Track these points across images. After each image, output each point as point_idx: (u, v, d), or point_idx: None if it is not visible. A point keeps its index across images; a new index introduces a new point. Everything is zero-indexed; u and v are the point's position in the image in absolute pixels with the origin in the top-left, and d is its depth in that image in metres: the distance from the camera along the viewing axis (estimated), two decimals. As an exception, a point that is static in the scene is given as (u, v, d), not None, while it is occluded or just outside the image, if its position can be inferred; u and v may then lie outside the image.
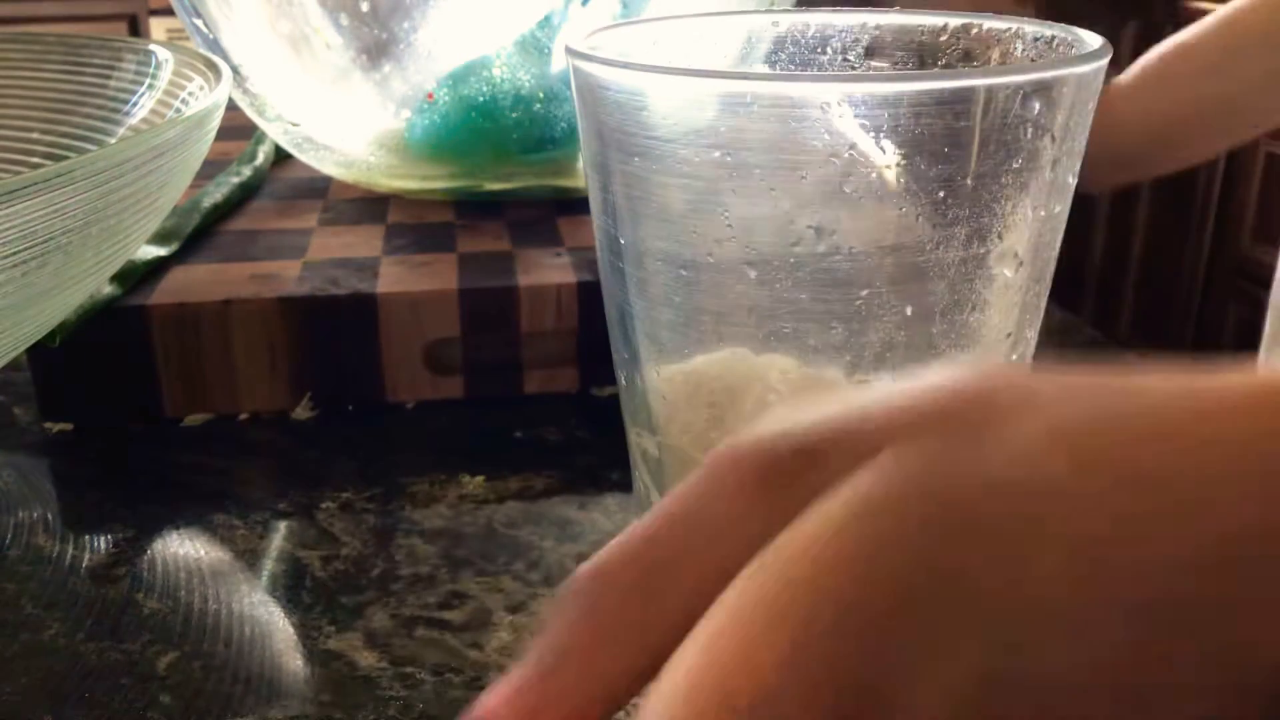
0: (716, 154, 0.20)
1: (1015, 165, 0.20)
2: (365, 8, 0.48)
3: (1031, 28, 0.24)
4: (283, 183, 0.57)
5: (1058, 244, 0.22)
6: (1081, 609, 0.13)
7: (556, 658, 0.15)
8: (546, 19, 0.48)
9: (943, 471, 0.14)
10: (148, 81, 0.40)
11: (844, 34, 0.26)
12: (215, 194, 0.50)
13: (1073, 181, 0.22)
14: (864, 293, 0.20)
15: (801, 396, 0.21)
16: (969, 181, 0.20)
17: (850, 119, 0.19)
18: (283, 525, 0.35)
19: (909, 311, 0.20)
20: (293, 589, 0.32)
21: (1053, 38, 0.23)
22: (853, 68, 0.26)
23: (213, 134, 0.34)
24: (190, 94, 0.38)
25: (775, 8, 0.37)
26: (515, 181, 0.52)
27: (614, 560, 0.15)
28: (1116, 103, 0.69)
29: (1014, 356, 0.22)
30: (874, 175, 0.19)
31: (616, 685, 0.15)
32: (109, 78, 0.42)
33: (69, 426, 0.41)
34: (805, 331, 0.21)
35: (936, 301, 0.20)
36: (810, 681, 0.13)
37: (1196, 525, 0.13)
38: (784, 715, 0.13)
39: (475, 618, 0.31)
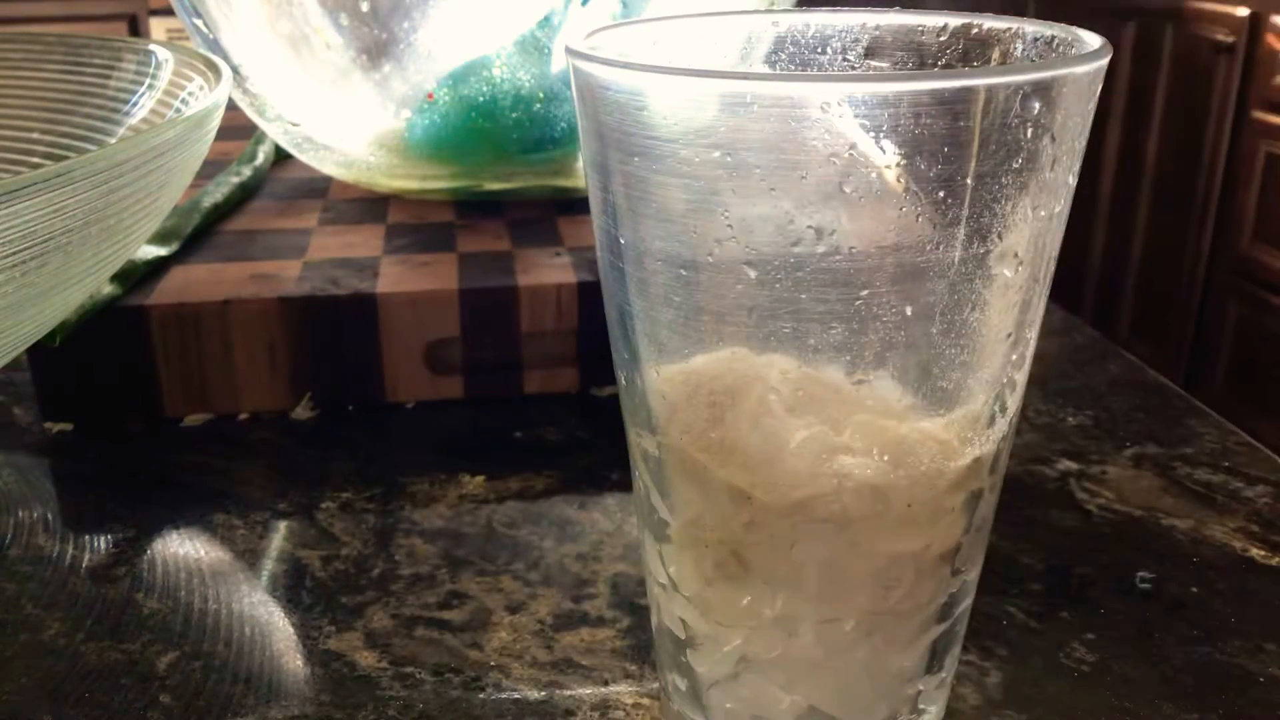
0: (716, 154, 0.20)
1: (1015, 165, 0.20)
2: (365, 8, 0.48)
3: (1031, 28, 0.24)
4: (283, 183, 0.57)
5: (1058, 244, 0.22)
6: None
7: None
8: (546, 19, 0.48)
9: None
10: (148, 81, 0.40)
11: (844, 34, 0.26)
12: (215, 194, 0.50)
13: (1073, 181, 0.22)
14: (864, 293, 0.20)
15: (801, 396, 0.21)
16: (969, 181, 0.20)
17: (850, 119, 0.19)
18: (283, 525, 0.35)
19: (909, 311, 0.20)
20: (293, 589, 0.32)
21: (1053, 38, 0.23)
22: (853, 68, 0.26)
23: (213, 134, 0.34)
24: (190, 94, 0.38)
25: (775, 8, 0.37)
26: (515, 181, 0.52)
27: None
28: None
29: (1014, 357, 0.22)
30: (874, 175, 0.19)
31: None
32: (109, 78, 0.42)
33: (69, 426, 0.41)
34: (805, 331, 0.21)
35: (936, 301, 0.20)
36: None
37: None
38: None
39: (475, 618, 0.31)
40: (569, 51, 0.22)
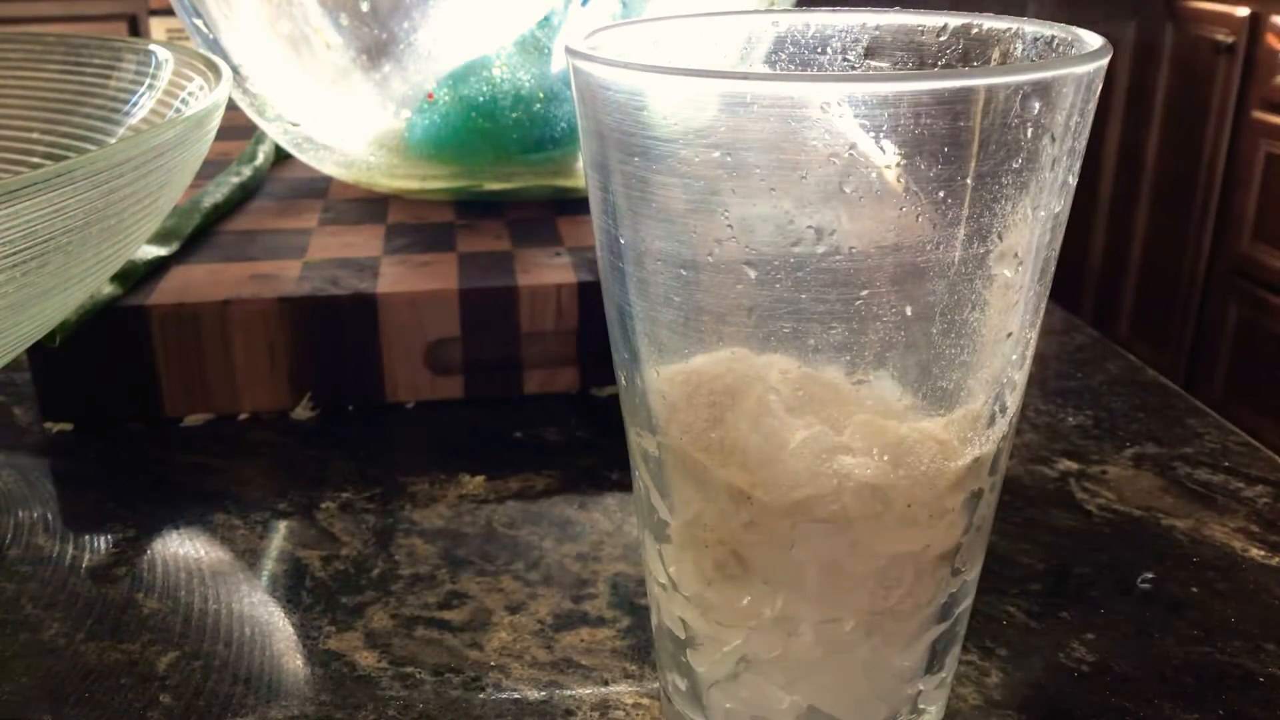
0: (716, 154, 0.20)
1: (1015, 165, 0.20)
2: (365, 8, 0.48)
3: (1031, 28, 0.24)
4: (283, 183, 0.57)
5: (1058, 244, 0.22)
6: None
7: None
8: (546, 19, 0.48)
9: None
10: (148, 81, 0.40)
11: (844, 34, 0.26)
12: (215, 194, 0.50)
13: (1073, 181, 0.22)
14: (864, 293, 0.20)
15: (801, 396, 0.21)
16: (969, 181, 0.20)
17: (850, 119, 0.19)
18: (283, 525, 0.35)
19: (909, 311, 0.20)
20: (293, 589, 0.32)
21: (1053, 38, 0.23)
22: (853, 68, 0.26)
23: (213, 134, 0.34)
24: (190, 94, 0.38)
25: (775, 8, 0.37)
26: (515, 181, 0.52)
27: None
28: None
29: (1014, 357, 0.22)
30: (874, 175, 0.19)
31: None
32: (109, 78, 0.42)
33: (69, 426, 0.41)
34: (805, 331, 0.21)
35: (936, 301, 0.20)
36: None
37: None
38: None
39: (475, 618, 0.31)
40: (569, 51, 0.22)
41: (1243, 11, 1.68)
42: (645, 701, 0.28)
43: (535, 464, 0.39)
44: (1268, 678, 0.29)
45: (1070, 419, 0.42)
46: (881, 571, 0.22)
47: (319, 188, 0.56)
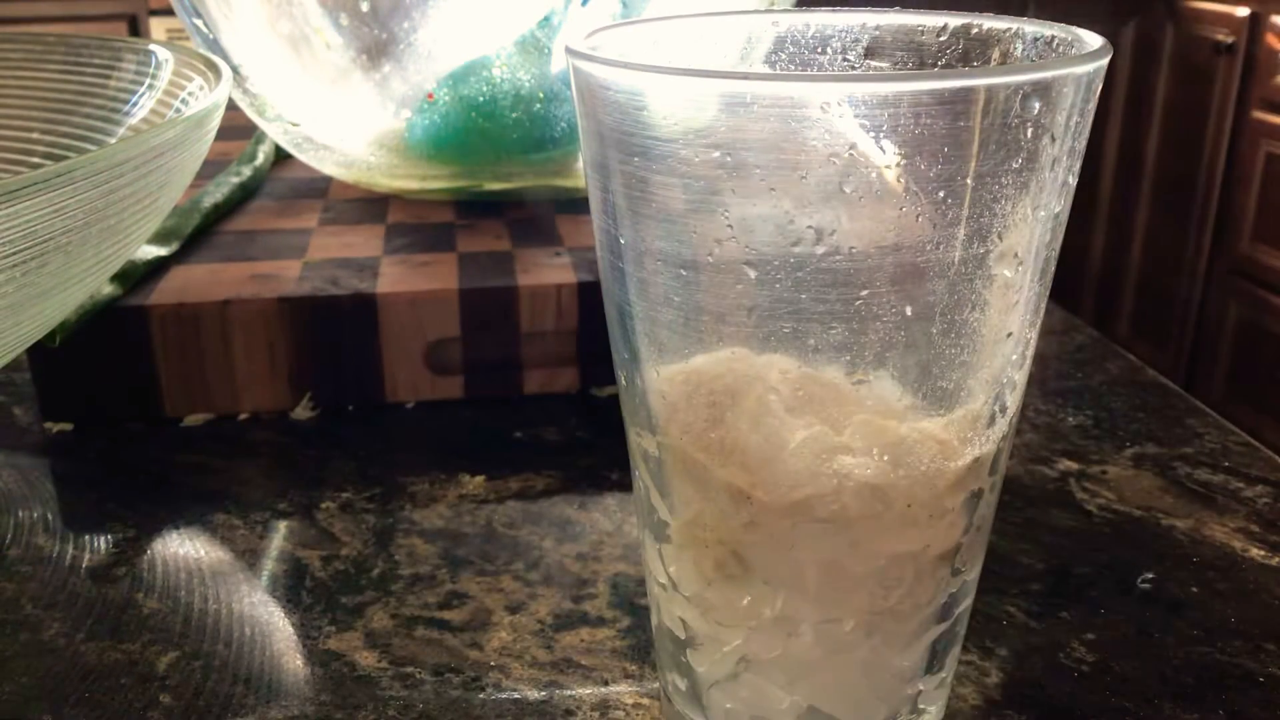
0: (716, 154, 0.20)
1: (1015, 165, 0.20)
2: (365, 8, 0.48)
3: (1031, 28, 0.24)
4: (283, 183, 0.57)
5: (1058, 244, 0.22)
6: None
7: None
8: (546, 19, 0.48)
9: None
10: (148, 81, 0.40)
11: (844, 34, 0.26)
12: (215, 194, 0.50)
13: (1073, 181, 0.22)
14: (864, 293, 0.20)
15: (801, 396, 0.21)
16: (969, 181, 0.20)
17: (850, 119, 0.19)
18: (283, 525, 0.35)
19: (909, 311, 0.20)
20: (293, 589, 0.32)
21: (1053, 38, 0.23)
22: (853, 68, 0.26)
23: (213, 134, 0.34)
24: (190, 94, 0.38)
25: (775, 8, 0.37)
26: (515, 181, 0.52)
27: None
28: None
29: (1014, 357, 0.22)
30: (874, 175, 0.19)
31: None
32: (109, 78, 0.42)
33: (69, 426, 0.41)
34: (805, 331, 0.21)
35: (936, 301, 0.20)
36: None
37: None
38: None
39: (475, 618, 0.31)
40: (569, 51, 0.22)
41: (1243, 11, 1.68)
42: (645, 701, 0.28)
43: (535, 464, 0.39)
44: (1268, 678, 0.29)
45: (1070, 419, 0.42)
46: (881, 571, 0.22)
47: (319, 188, 0.56)
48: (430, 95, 0.49)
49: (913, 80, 0.19)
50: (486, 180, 0.52)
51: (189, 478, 0.38)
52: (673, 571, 0.24)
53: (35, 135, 0.42)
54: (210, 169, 0.56)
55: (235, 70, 0.50)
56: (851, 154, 0.19)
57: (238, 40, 0.50)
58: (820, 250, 0.20)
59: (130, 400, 0.41)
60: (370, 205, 0.53)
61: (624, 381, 0.24)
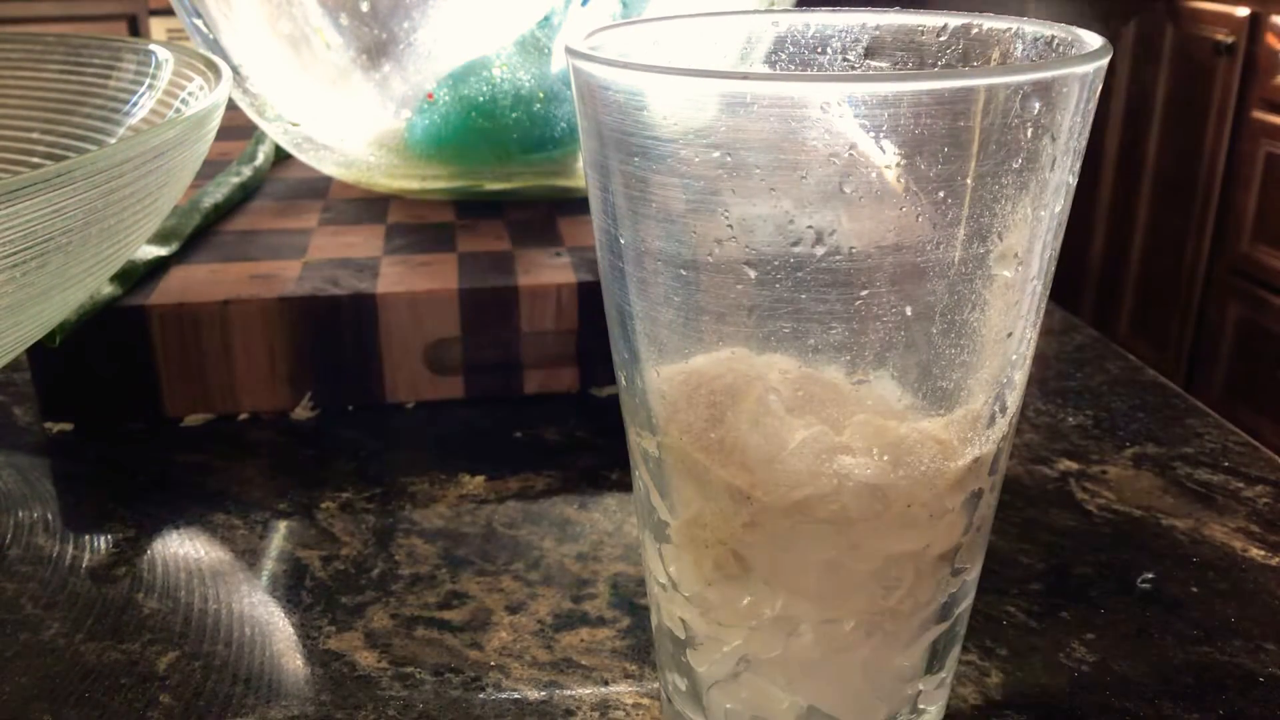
0: (716, 154, 0.20)
1: (1015, 165, 0.20)
2: (365, 8, 0.48)
3: (1031, 28, 0.24)
4: (283, 183, 0.57)
5: (1058, 244, 0.22)
6: None
7: None
8: (546, 19, 0.48)
9: None
10: (148, 81, 0.40)
11: (844, 34, 0.26)
12: (215, 194, 0.50)
13: (1073, 181, 0.22)
14: (864, 293, 0.20)
15: (801, 396, 0.21)
16: (969, 181, 0.20)
17: (850, 119, 0.19)
18: (283, 525, 0.35)
19: (909, 311, 0.20)
20: (293, 589, 0.32)
21: (1053, 38, 0.23)
22: (853, 68, 0.26)
23: (213, 134, 0.34)
24: (190, 94, 0.38)
25: (775, 8, 0.37)
26: (515, 181, 0.52)
27: None
28: None
29: (1014, 357, 0.22)
30: (874, 175, 0.19)
31: None
32: (109, 78, 0.42)
33: (69, 426, 0.41)
34: (805, 331, 0.21)
35: (936, 301, 0.20)
36: None
37: None
38: None
39: (475, 618, 0.31)
40: (569, 51, 0.22)
41: (1243, 11, 1.68)
42: (645, 701, 0.28)
43: (535, 464, 0.39)
44: (1268, 678, 0.29)
45: (1070, 419, 0.42)
46: (881, 571, 0.22)
47: (319, 188, 0.56)
48: (430, 95, 0.49)
49: (913, 80, 0.19)
50: (486, 180, 0.52)
51: (189, 478, 0.38)
52: (673, 571, 0.24)
53: (35, 135, 0.42)
54: (210, 169, 0.56)
55: (235, 70, 0.50)
56: (851, 154, 0.19)
57: (238, 40, 0.50)
58: (820, 250, 0.20)
59: (130, 400, 0.41)
60: (370, 205, 0.53)
61: (624, 381, 0.24)
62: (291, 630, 0.30)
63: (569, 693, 0.28)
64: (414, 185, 0.52)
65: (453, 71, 0.49)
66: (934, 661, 0.24)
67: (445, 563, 0.33)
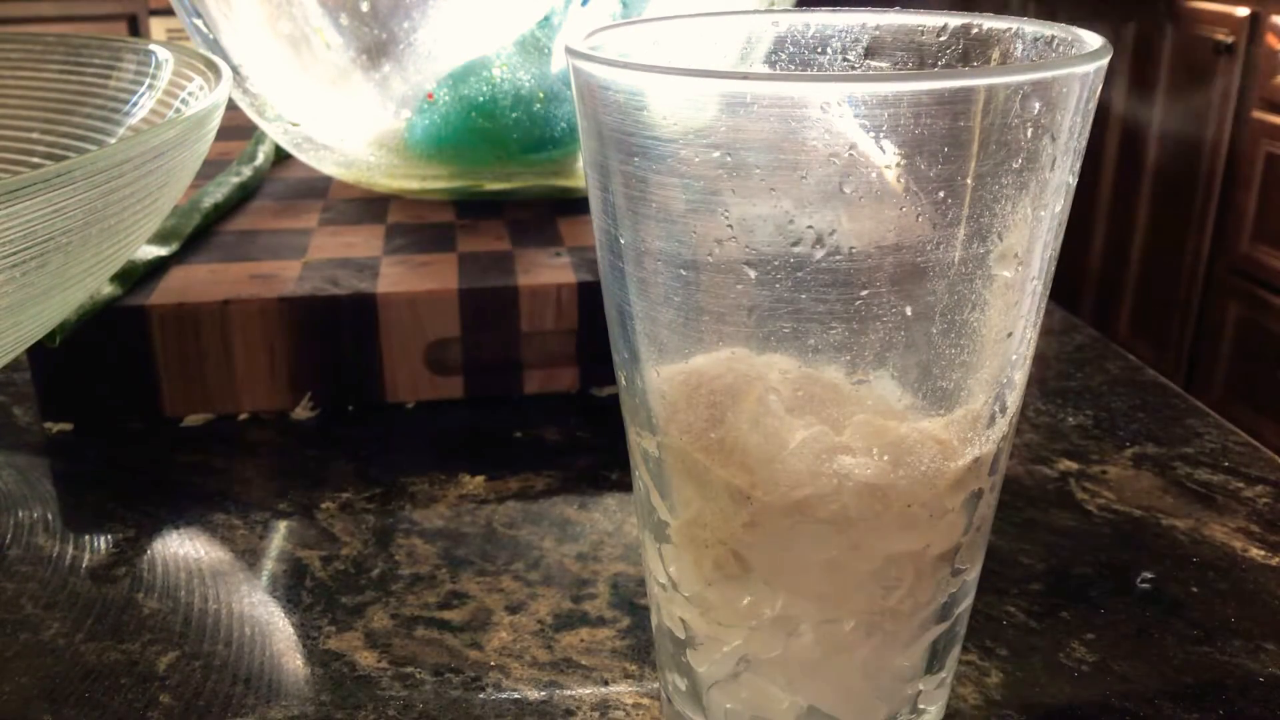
0: (716, 154, 0.20)
1: (1015, 165, 0.20)
2: (365, 8, 0.48)
3: (1031, 28, 0.24)
4: (283, 183, 0.57)
5: (1058, 244, 0.22)
6: None
7: None
8: (546, 19, 0.48)
9: None
10: (148, 81, 0.40)
11: (844, 34, 0.26)
12: (215, 194, 0.50)
13: (1073, 181, 0.22)
14: (864, 293, 0.20)
15: (801, 396, 0.21)
16: (969, 181, 0.20)
17: (850, 119, 0.19)
18: (283, 525, 0.35)
19: (909, 311, 0.20)
20: (293, 589, 0.32)
21: (1053, 38, 0.23)
22: (853, 68, 0.26)
23: (213, 134, 0.34)
24: (190, 94, 0.38)
25: (775, 8, 0.37)
26: (515, 181, 0.52)
27: None
28: None
29: (1014, 357, 0.22)
30: (874, 175, 0.19)
31: None
32: (109, 78, 0.42)
33: (69, 426, 0.41)
34: (805, 331, 0.21)
35: (936, 301, 0.20)
36: None
37: None
38: None
39: (475, 618, 0.31)
40: (569, 51, 0.22)
41: (1243, 11, 1.68)
42: (645, 701, 0.28)
43: (535, 464, 0.39)
44: (1268, 678, 0.29)
45: (1070, 419, 0.42)
46: (881, 571, 0.22)
47: (319, 188, 0.56)
48: (430, 95, 0.49)
49: (913, 80, 0.19)
50: (486, 180, 0.52)
51: (189, 478, 0.38)
52: (673, 571, 0.24)
53: (35, 135, 0.42)
54: (210, 169, 0.56)
55: (235, 70, 0.50)
56: (851, 154, 0.19)
57: (238, 40, 0.50)
58: (820, 250, 0.20)
59: (130, 400, 0.41)
60: (370, 205, 0.53)
61: (624, 381, 0.24)
62: (291, 630, 0.30)
63: (569, 693, 0.28)
64: (414, 185, 0.52)
65: (453, 71, 0.49)
66: (934, 661, 0.24)
67: (445, 563, 0.33)
